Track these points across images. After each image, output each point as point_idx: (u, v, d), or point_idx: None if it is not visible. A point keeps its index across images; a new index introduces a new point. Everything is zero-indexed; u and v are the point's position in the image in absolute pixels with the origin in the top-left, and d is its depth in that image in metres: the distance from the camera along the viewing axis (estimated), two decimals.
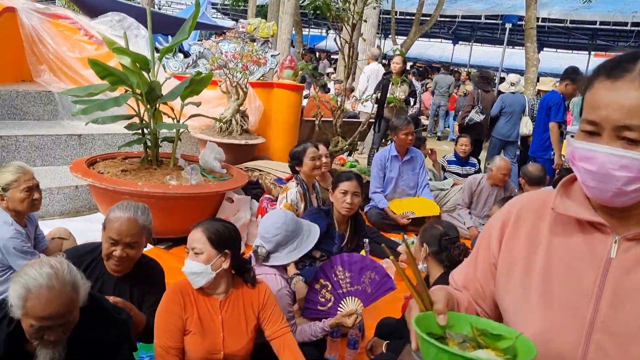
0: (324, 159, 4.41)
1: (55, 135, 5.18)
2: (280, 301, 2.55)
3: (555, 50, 25.25)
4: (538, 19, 12.86)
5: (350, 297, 2.89)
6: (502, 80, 17.22)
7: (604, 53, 23.03)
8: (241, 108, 5.84)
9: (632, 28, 14.26)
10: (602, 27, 15.00)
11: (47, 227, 4.34)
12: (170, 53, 6.19)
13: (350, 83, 10.09)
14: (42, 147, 5.09)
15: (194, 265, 2.25)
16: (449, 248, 2.61)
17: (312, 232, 2.87)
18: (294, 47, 13.98)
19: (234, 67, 5.68)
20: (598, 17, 14.43)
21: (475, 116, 7.77)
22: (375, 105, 6.68)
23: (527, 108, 8.59)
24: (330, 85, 11.52)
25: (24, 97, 5.55)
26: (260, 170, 4.99)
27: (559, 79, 6.52)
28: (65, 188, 4.72)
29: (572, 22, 15.14)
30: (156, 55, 4.39)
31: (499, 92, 8.88)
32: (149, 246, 4.22)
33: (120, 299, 2.34)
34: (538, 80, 12.05)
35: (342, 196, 3.37)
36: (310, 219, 3.37)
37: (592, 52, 20.91)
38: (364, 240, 3.84)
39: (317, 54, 21.57)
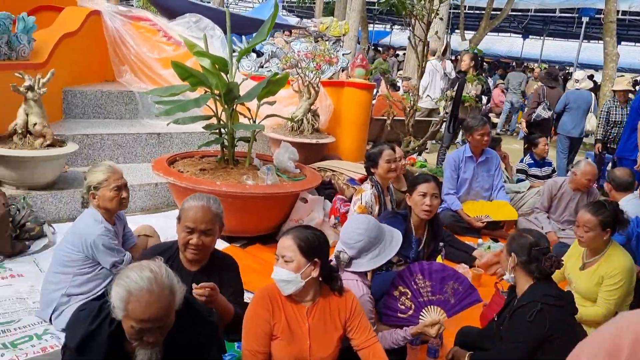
0: (399, 162, 4.36)
1: (136, 134, 5.38)
2: (363, 306, 2.54)
3: (634, 44, 23.92)
4: (618, 12, 12.19)
5: (432, 307, 2.84)
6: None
7: None
8: (312, 107, 5.87)
9: None
10: None
11: (129, 223, 4.54)
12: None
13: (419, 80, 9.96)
14: (124, 145, 5.31)
15: (283, 273, 2.27)
16: (539, 259, 2.51)
17: (395, 238, 2.84)
18: (359, 44, 13.93)
19: (306, 66, 5.71)
20: None
21: (543, 112, 7.71)
22: (445, 104, 6.54)
23: (593, 105, 8.35)
24: (399, 83, 11.41)
25: (107, 97, 5.80)
26: (332, 171, 5.00)
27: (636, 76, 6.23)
28: (146, 185, 4.91)
29: None
30: (234, 55, 4.47)
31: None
32: (225, 244, 4.32)
33: (212, 283, 2.40)
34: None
35: (421, 198, 3.31)
36: (387, 222, 3.34)
37: None
38: (440, 244, 3.78)
39: (382, 50, 21.40)
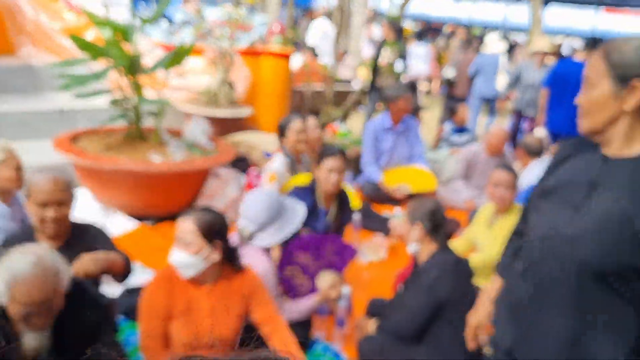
0: (314, 133, 4.31)
1: (38, 111, 5.05)
2: (266, 281, 2.51)
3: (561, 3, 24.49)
4: None
5: (323, 272, 2.87)
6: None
7: (614, 8, 22.38)
8: (228, 78, 5.70)
9: None
10: None
11: None
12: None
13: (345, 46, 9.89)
14: (24, 123, 4.97)
15: (183, 256, 2.20)
16: (443, 223, 2.54)
17: (298, 212, 2.81)
18: (282, 9, 13.62)
19: (220, 34, 5.51)
20: None
21: (447, 73, 8.15)
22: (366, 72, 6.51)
23: (501, 66, 8.85)
24: None
25: (5, 72, 5.40)
26: (248, 144, 4.90)
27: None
28: (49, 165, 4.62)
29: None
30: (138, 24, 4.22)
31: None
32: (134, 222, 4.17)
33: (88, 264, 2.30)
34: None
35: (327, 173, 3.29)
36: (295, 195, 3.31)
37: (602, 7, 20.38)
38: (354, 214, 3.79)
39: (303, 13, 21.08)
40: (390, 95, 5.31)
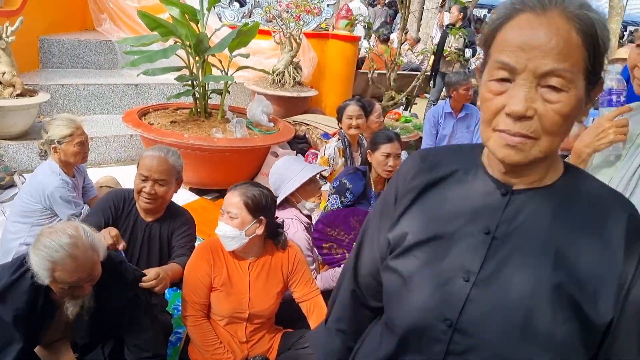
0: (377, 119, 4.31)
1: (114, 85, 5.34)
2: (298, 243, 2.58)
3: None
4: None
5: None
6: None
7: None
8: (295, 60, 5.77)
9: None
10: None
11: (103, 174, 4.56)
12: (226, 1, 6.17)
13: (417, 32, 9.74)
14: (100, 96, 5.27)
15: (228, 229, 2.27)
16: None
17: (299, 175, 2.87)
18: None
19: (287, 17, 5.58)
20: None
21: None
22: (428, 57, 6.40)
23: None
24: (394, 35, 11.14)
25: (85, 46, 5.72)
26: (307, 125, 4.96)
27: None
28: (121, 137, 4.89)
29: None
30: (205, 5, 4.36)
31: None
32: (196, 196, 4.34)
33: (153, 277, 2.31)
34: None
35: (384, 159, 3.28)
36: (347, 178, 3.34)
37: None
38: None
39: None
40: (451, 82, 5.20)
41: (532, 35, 0.82)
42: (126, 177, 3.89)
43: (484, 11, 25.85)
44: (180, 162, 2.68)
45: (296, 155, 4.61)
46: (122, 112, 5.32)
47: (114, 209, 2.55)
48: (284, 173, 2.85)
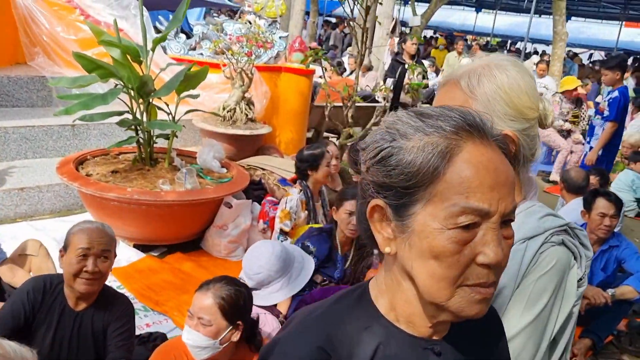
0: (333, 161, 4.06)
1: (48, 126, 4.86)
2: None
3: (584, 19, 24.15)
4: None
5: None
6: (527, 55, 16.48)
7: (637, 23, 21.99)
8: (246, 95, 5.46)
9: None
10: None
11: (36, 229, 4.09)
12: (172, 33, 5.81)
13: (368, 57, 9.61)
14: (33, 139, 4.79)
15: (199, 338, 1.94)
16: None
17: (305, 269, 2.55)
18: (308, 17, 13.39)
19: (238, 50, 5.27)
20: None
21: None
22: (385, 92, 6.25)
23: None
24: (345, 59, 11.00)
25: (15, 83, 5.22)
26: (263, 169, 4.64)
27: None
28: (56, 185, 4.43)
29: None
30: (149, 45, 3.99)
31: None
32: (141, 254, 3.94)
33: None
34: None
35: (347, 217, 3.02)
36: (311, 241, 3.05)
37: (623, 22, 19.95)
38: (374, 254, 3.51)
39: (336, 22, 20.83)
40: None
41: (497, 171, 0.75)
42: (62, 231, 3.45)
43: (430, 32, 26.38)
44: (114, 235, 2.36)
45: (252, 203, 4.28)
46: (58, 156, 4.86)
47: (30, 304, 2.16)
48: (270, 278, 2.49)
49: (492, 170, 0.74)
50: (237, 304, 1.97)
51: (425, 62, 11.92)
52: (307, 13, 16.00)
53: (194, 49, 5.86)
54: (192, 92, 4.12)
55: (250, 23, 5.73)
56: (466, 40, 18.86)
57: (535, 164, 1.56)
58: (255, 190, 4.47)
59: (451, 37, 23.26)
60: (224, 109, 5.37)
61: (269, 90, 5.73)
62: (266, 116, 5.80)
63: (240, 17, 5.84)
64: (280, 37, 5.89)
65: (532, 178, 1.29)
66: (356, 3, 4.86)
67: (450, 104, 1.05)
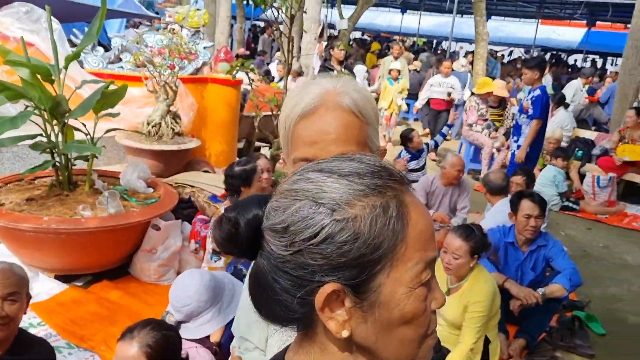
0: (265, 174, 3.97)
1: None
2: None
3: (503, 18, 25.17)
4: None
5: None
6: (452, 54, 16.96)
7: (552, 20, 23.15)
8: (171, 108, 5.27)
9: (579, 0, 14.19)
10: None
11: None
12: (89, 46, 5.52)
13: (297, 62, 9.57)
14: None
15: None
16: None
17: (236, 296, 2.45)
18: (235, 22, 13.20)
19: (160, 63, 5.07)
20: None
21: None
22: None
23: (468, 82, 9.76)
24: (274, 65, 10.90)
25: None
26: (192, 186, 4.48)
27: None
28: None
29: None
30: (61, 63, 3.75)
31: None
32: (64, 285, 3.70)
33: None
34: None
35: None
36: (244, 264, 2.95)
37: (540, 20, 20.92)
38: None
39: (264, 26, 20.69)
40: None
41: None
42: None
43: (358, 33, 26.70)
44: (26, 275, 2.19)
45: (182, 223, 4.12)
46: None
47: None
48: (199, 309, 2.36)
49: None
50: (164, 348, 1.85)
51: (361, 67, 12.04)
52: (234, 18, 15.80)
53: (114, 62, 5.60)
54: (111, 110, 3.92)
55: (172, 33, 5.54)
56: (402, 41, 19.23)
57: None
58: (185, 209, 4.31)
59: (379, 38, 23.65)
60: (148, 124, 5.16)
61: (196, 103, 5.55)
62: (194, 129, 5.63)
63: (151, 25, 5.62)
64: (204, 48, 5.72)
65: None
66: (280, 12, 4.78)
67: (350, 132, 1.04)
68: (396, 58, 9.48)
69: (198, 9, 5.72)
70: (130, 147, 5.09)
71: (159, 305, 3.40)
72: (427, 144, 6.36)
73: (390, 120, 8.97)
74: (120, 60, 5.57)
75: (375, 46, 18.34)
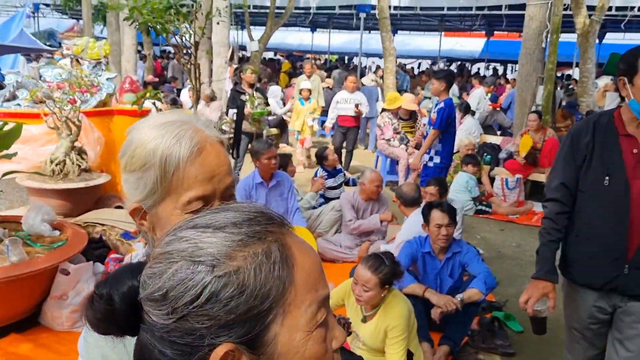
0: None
1: None
2: None
3: (408, 33, 26.21)
4: (390, 7, 13.02)
5: None
6: (363, 69, 17.44)
7: (454, 32, 24.36)
8: (76, 144, 5.03)
9: (476, 12, 15.03)
10: (449, 12, 15.72)
11: None
12: None
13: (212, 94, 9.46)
14: None
15: None
16: None
17: None
18: (141, 51, 12.87)
19: (60, 98, 4.84)
20: (445, 2, 15.06)
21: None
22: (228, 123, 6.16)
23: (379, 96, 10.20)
24: (185, 91, 10.72)
25: None
26: (102, 225, 4.28)
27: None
28: None
29: (422, 8, 15.66)
30: None
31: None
32: None
33: None
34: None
35: None
36: None
37: (443, 32, 21.95)
38: None
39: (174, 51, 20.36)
40: (253, 151, 5.07)
41: None
42: None
43: (270, 53, 26.89)
44: None
45: (94, 264, 3.92)
46: None
47: None
48: None
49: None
50: None
51: (276, 88, 12.09)
52: (141, 44, 15.44)
53: (9, 99, 5.29)
54: (7, 152, 3.68)
55: (77, 63, 5.32)
56: (315, 59, 19.50)
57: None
58: (96, 249, 4.11)
59: (292, 57, 23.91)
60: (52, 162, 4.89)
61: (102, 136, 5.34)
62: (103, 164, 5.40)
63: (51, 56, 5.38)
64: (107, 79, 5.53)
65: None
66: (184, 40, 4.71)
67: (228, 160, 1.10)
68: (309, 77, 9.53)
69: (98, 39, 5.53)
70: (34, 188, 4.80)
71: (73, 354, 3.18)
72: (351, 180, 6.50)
73: (304, 142, 8.84)
74: (15, 97, 5.27)
75: (287, 66, 18.52)
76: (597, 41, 11.85)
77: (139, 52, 12.59)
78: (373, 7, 13.60)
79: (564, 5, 8.92)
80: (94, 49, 5.32)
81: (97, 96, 5.38)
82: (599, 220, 2.28)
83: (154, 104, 5.25)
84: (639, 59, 2.16)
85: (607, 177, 2.24)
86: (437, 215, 3.70)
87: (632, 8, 12.70)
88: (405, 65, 19.54)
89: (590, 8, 10.52)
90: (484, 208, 7.09)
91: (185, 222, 0.69)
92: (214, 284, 0.62)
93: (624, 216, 2.20)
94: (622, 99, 2.32)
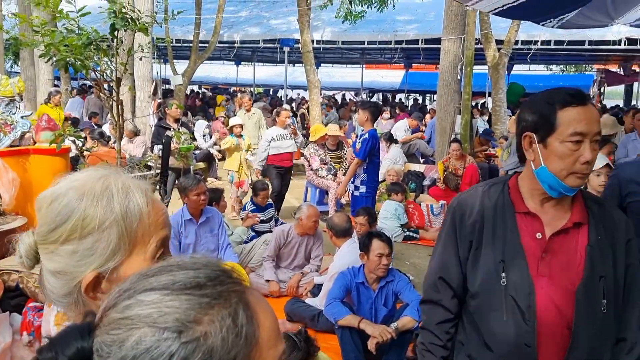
0: None
1: None
2: None
3: (332, 65, 26.87)
4: (313, 41, 13.32)
5: None
6: (289, 100, 17.64)
7: (374, 65, 25.19)
8: None
9: (395, 46, 15.65)
10: (369, 46, 16.29)
11: None
12: None
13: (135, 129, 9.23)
14: None
15: None
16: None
17: None
18: (57, 86, 12.37)
19: None
20: (366, 37, 15.58)
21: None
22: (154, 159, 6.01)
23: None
24: (107, 126, 10.38)
25: None
26: (18, 272, 4.02)
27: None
28: None
29: (343, 42, 16.12)
30: None
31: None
32: None
33: None
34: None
35: None
36: None
37: (364, 65, 22.63)
38: None
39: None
40: (181, 188, 4.97)
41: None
42: None
43: (195, 86, 26.65)
44: None
45: (10, 315, 3.65)
46: None
47: None
48: None
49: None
50: None
51: (202, 122, 11.87)
52: (58, 79, 14.87)
53: None
54: None
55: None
56: (241, 91, 19.50)
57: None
58: (13, 299, 3.84)
59: (217, 90, 23.83)
60: None
61: (18, 177, 5.06)
62: (18, 206, 5.10)
63: None
64: (22, 117, 5.27)
65: None
66: (104, 75, 4.58)
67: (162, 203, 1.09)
68: (248, 110, 8.99)
69: (10, 76, 5.28)
70: None
71: None
72: None
73: (243, 185, 7.79)
74: None
75: (221, 98, 18.53)
76: (506, 72, 12.65)
77: (55, 86, 12.07)
78: (296, 42, 13.85)
79: (476, 39, 9.50)
80: (7, 87, 5.07)
81: (11, 135, 5.11)
82: (500, 332, 1.62)
83: (73, 141, 5.05)
84: (558, 111, 1.53)
85: (503, 275, 1.61)
86: (378, 245, 3.75)
87: (536, 42, 13.78)
88: (333, 97, 19.96)
89: (499, 42, 11.28)
90: (411, 234, 7.26)
91: (137, 281, 0.65)
92: (181, 352, 0.60)
93: (531, 327, 1.57)
94: (522, 161, 1.68)
